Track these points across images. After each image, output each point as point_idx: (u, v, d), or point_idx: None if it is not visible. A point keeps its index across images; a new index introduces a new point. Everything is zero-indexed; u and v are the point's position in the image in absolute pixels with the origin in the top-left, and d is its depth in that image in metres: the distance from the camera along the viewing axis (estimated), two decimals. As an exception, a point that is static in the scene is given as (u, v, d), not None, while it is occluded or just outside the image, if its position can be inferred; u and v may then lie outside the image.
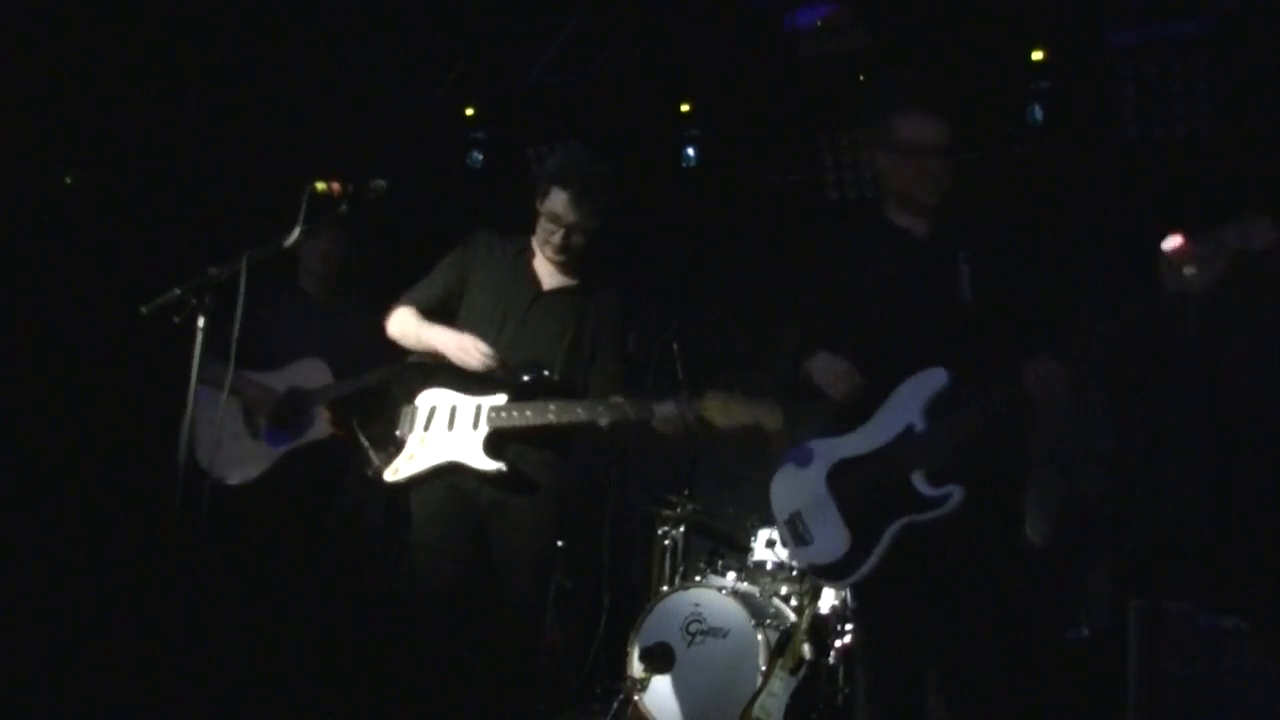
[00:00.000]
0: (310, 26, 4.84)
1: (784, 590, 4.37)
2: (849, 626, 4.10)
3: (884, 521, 2.51)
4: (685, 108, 5.39)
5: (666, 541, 4.71)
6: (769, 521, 4.49)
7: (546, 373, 2.98)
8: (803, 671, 3.97)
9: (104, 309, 4.28)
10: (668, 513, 4.70)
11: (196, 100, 4.72)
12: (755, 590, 4.36)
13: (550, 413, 2.89)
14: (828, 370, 2.59)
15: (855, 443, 2.58)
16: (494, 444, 2.94)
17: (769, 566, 4.41)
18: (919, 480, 2.46)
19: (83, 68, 4.46)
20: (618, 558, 5.23)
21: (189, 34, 4.62)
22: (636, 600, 4.89)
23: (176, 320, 2.50)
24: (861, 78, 4.89)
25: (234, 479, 3.54)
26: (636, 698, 4.16)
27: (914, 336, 2.55)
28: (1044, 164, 4.97)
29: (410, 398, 3.13)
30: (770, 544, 4.44)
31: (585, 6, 5.13)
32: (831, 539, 2.61)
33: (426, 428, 3.06)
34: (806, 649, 4.02)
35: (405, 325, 3.12)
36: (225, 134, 4.80)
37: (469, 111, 5.61)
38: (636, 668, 4.17)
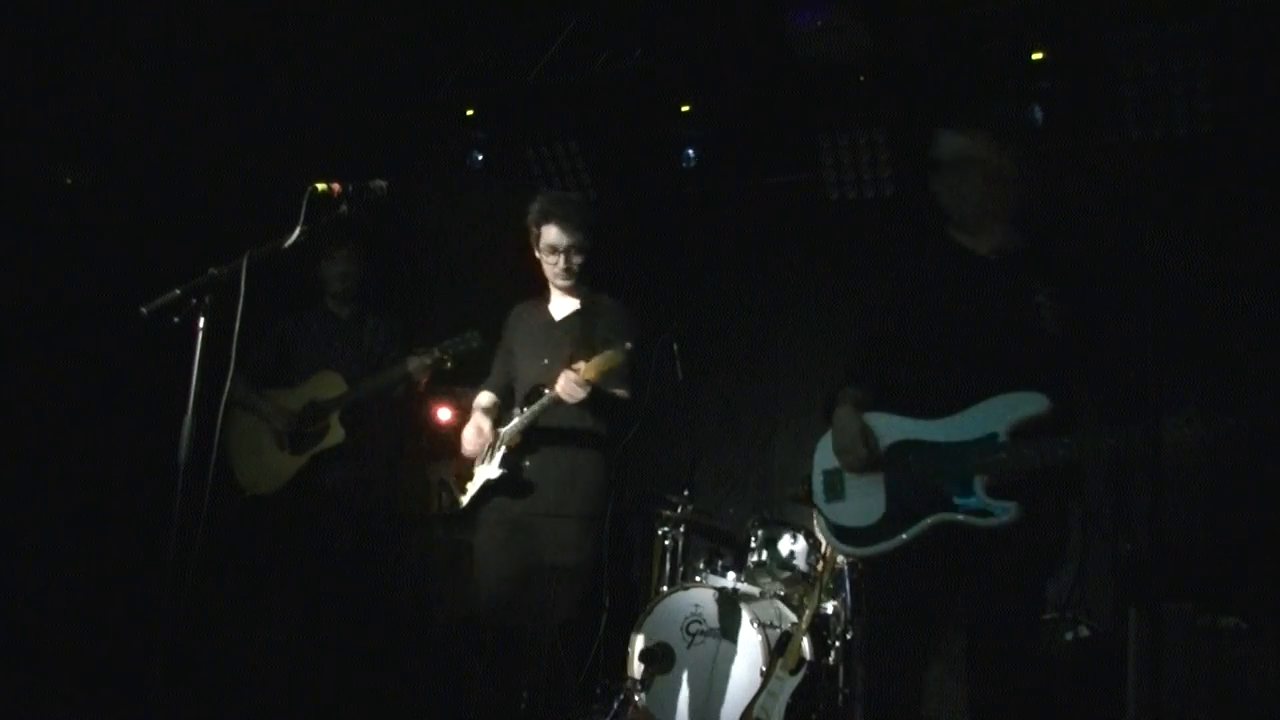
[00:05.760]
0: (310, 26, 4.84)
1: (784, 590, 4.37)
2: (849, 627, 4.11)
3: (927, 510, 2.57)
4: (685, 108, 5.39)
5: (666, 542, 4.70)
6: (769, 522, 4.50)
7: (543, 388, 3.45)
8: (803, 671, 3.97)
9: (104, 309, 4.28)
10: (668, 513, 4.70)
11: (196, 100, 4.71)
12: (755, 590, 4.35)
13: (528, 415, 3.45)
14: (843, 435, 2.71)
15: (930, 430, 2.63)
16: (510, 458, 3.51)
17: (769, 566, 4.40)
18: (979, 486, 2.51)
19: (83, 68, 4.45)
20: (618, 558, 5.23)
21: (189, 34, 4.61)
22: (636, 600, 4.89)
23: (176, 320, 2.50)
24: (861, 78, 4.90)
25: (265, 488, 3.97)
26: (636, 698, 4.16)
27: (994, 356, 2.59)
28: (1044, 164, 4.96)
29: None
30: (770, 544, 4.43)
31: (585, 6, 5.12)
32: (866, 505, 2.68)
33: (485, 460, 3.62)
34: (806, 649, 4.02)
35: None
36: (225, 134, 4.79)
37: (469, 111, 5.61)
38: (636, 668, 4.17)
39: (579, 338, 3.54)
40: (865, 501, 2.68)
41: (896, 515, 2.62)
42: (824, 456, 2.81)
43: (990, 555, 2.53)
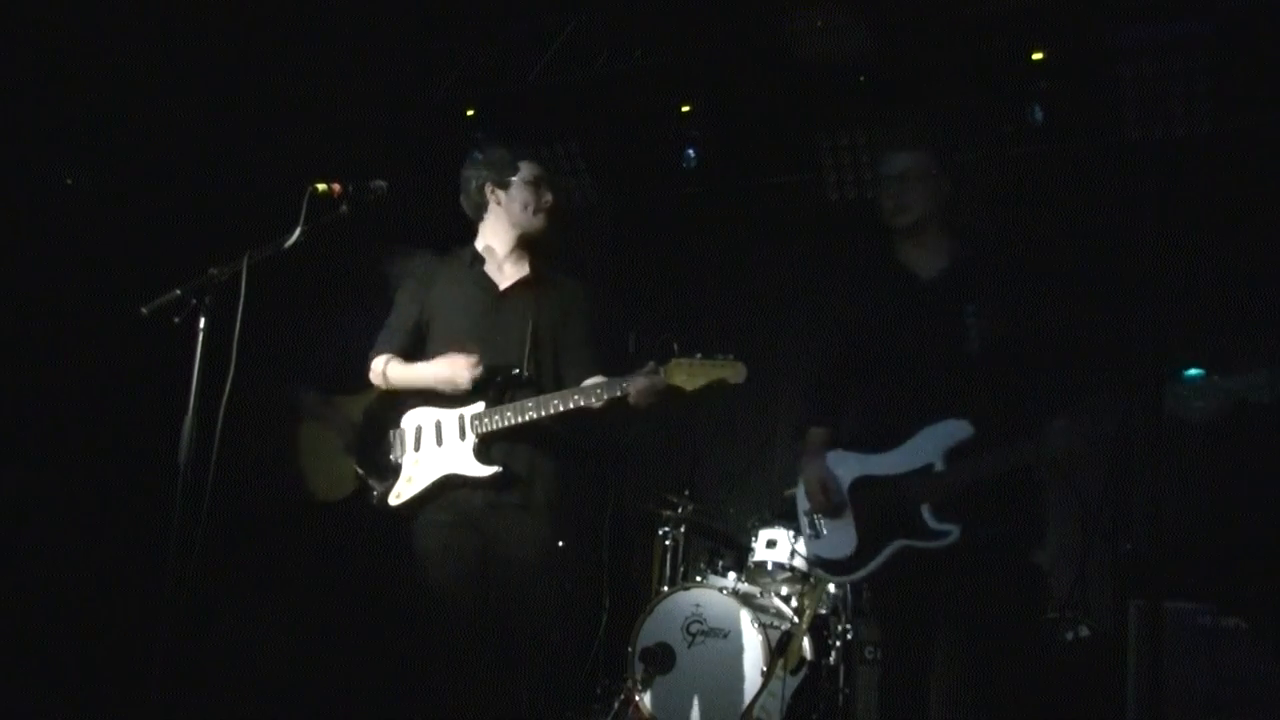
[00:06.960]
0: (311, 26, 4.84)
1: (784, 590, 4.37)
2: (849, 627, 4.11)
3: (887, 538, 2.77)
4: (685, 108, 5.39)
5: (667, 541, 4.71)
6: (769, 522, 4.51)
7: (516, 371, 3.06)
8: (803, 671, 3.98)
9: (104, 309, 4.28)
10: (668, 513, 4.70)
11: (197, 100, 4.71)
12: (755, 590, 4.35)
13: (529, 410, 2.96)
14: (810, 486, 2.94)
15: (881, 464, 2.82)
16: (483, 450, 3.01)
17: (769, 566, 4.40)
18: (926, 512, 2.70)
19: (83, 68, 4.45)
20: (618, 558, 5.23)
21: (189, 34, 4.61)
22: (636, 600, 4.89)
23: (177, 320, 2.50)
24: (861, 78, 4.90)
25: (336, 495, 4.02)
26: (636, 698, 4.16)
27: (930, 383, 2.77)
28: (1044, 164, 4.97)
29: (396, 422, 3.17)
30: (771, 544, 4.44)
31: (585, 6, 5.12)
32: (840, 539, 2.90)
33: (417, 448, 3.11)
34: (806, 649, 4.02)
35: (396, 375, 3.15)
36: (225, 134, 4.79)
37: (469, 111, 5.61)
38: (636, 668, 4.17)
39: (542, 314, 3.13)
40: (841, 536, 2.90)
41: (866, 546, 2.83)
42: (803, 500, 3.02)
43: (961, 565, 2.67)
